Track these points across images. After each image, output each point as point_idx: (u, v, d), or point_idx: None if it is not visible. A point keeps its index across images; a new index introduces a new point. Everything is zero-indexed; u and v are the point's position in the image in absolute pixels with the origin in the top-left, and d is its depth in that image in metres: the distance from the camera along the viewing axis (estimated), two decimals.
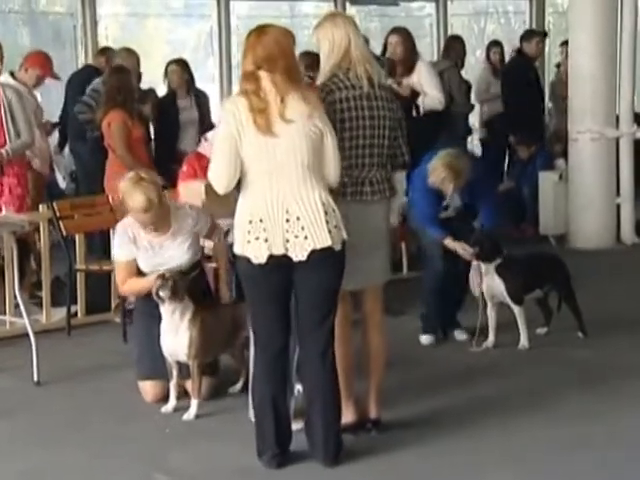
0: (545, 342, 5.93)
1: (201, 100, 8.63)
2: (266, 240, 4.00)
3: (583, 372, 5.38)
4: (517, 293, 5.78)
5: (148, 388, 5.08)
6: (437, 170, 5.74)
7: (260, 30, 4.12)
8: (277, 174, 4.02)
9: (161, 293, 4.79)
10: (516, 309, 5.79)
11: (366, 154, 4.33)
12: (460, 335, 6.05)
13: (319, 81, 4.34)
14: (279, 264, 4.02)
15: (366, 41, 9.65)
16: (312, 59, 9.06)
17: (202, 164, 6.39)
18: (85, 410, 5.07)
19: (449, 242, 5.82)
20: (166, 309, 4.84)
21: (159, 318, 4.87)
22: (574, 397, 4.95)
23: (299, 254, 4.02)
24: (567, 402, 4.88)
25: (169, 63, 8.72)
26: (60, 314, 6.56)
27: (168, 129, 8.42)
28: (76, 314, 6.61)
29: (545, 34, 10.19)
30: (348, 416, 4.44)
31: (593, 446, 4.34)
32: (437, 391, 5.07)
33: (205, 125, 8.46)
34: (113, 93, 7.41)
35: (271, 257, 4.01)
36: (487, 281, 5.76)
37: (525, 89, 9.48)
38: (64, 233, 6.43)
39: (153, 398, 5.06)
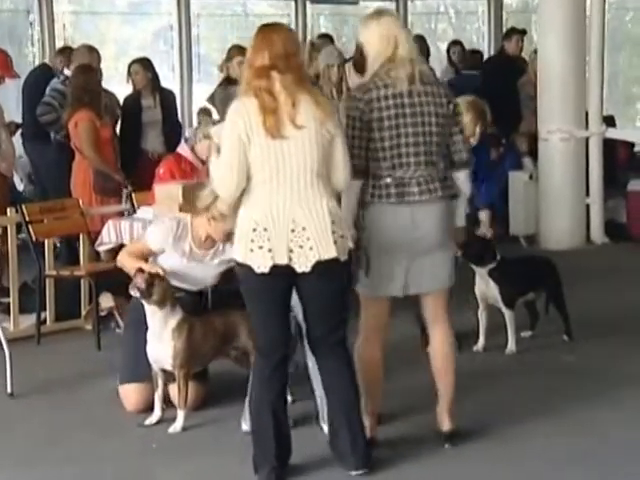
0: (531, 346, 5.84)
1: (166, 99, 8.41)
2: (270, 250, 3.86)
3: (572, 378, 5.29)
4: (510, 297, 5.69)
5: (130, 393, 4.84)
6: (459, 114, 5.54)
7: (274, 26, 4.01)
8: (284, 180, 3.87)
9: (130, 291, 4.61)
10: (507, 313, 5.70)
11: (410, 153, 4.15)
12: None
13: (360, 83, 4.25)
14: (282, 274, 3.90)
15: (331, 40, 9.72)
16: None
17: (181, 167, 6.23)
18: (63, 424, 4.84)
19: None
20: (148, 312, 4.65)
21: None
22: (566, 404, 4.85)
23: (303, 265, 3.89)
24: (559, 411, 4.77)
25: (132, 63, 8.48)
26: (28, 321, 6.32)
27: (131, 129, 8.20)
28: (45, 321, 6.38)
29: (524, 32, 10.14)
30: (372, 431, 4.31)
31: (588, 459, 4.23)
32: (426, 399, 4.92)
33: (169, 125, 8.26)
34: (79, 93, 7.22)
35: (274, 267, 3.88)
36: (480, 284, 5.65)
37: (500, 88, 9.44)
38: (34, 238, 6.19)
39: (134, 405, 4.83)
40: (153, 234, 4.86)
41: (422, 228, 4.17)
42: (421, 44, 9.81)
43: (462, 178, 4.31)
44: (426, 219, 4.17)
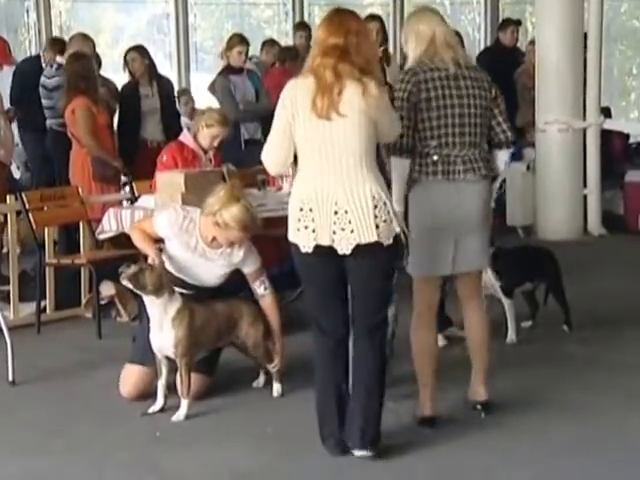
0: (531, 336, 5.85)
1: (165, 87, 8.38)
2: (314, 230, 3.97)
3: (573, 367, 5.30)
4: (509, 286, 5.70)
5: (132, 373, 4.83)
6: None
7: (351, 12, 4.09)
8: (327, 161, 3.96)
9: (120, 278, 4.61)
10: (506, 302, 5.71)
11: (456, 133, 4.32)
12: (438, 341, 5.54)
13: (407, 68, 4.43)
14: (326, 254, 3.99)
15: None
16: (291, 52, 9.02)
17: (183, 154, 6.20)
18: (66, 412, 4.83)
19: None
20: (146, 301, 4.64)
21: None
22: (570, 394, 4.85)
23: (344, 247, 3.97)
24: (563, 399, 4.78)
25: (128, 51, 8.45)
26: (28, 309, 6.31)
27: (130, 117, 8.17)
28: (45, 310, 6.36)
29: (519, 22, 10.17)
30: (425, 409, 4.43)
31: (597, 445, 4.24)
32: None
33: (167, 113, 8.23)
34: (76, 80, 7.18)
35: (318, 247, 3.97)
36: None
37: (496, 79, 9.39)
38: (34, 225, 6.17)
39: (130, 387, 4.82)
40: (160, 220, 4.82)
41: (467, 205, 4.34)
42: None
43: (503, 156, 4.49)
44: (470, 197, 4.33)
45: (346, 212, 3.94)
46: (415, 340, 4.44)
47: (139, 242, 4.81)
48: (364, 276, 4.04)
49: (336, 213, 3.95)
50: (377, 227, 3.96)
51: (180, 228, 4.74)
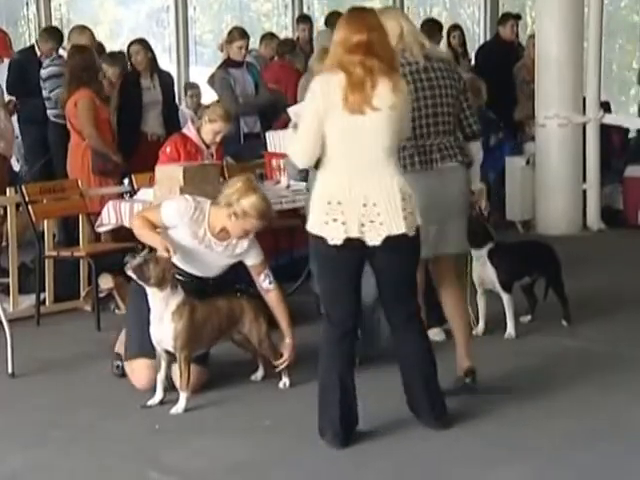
0: (530, 331, 5.85)
1: (165, 81, 8.37)
2: (343, 223, 4.03)
3: (572, 362, 5.32)
4: (508, 280, 5.71)
5: (141, 368, 4.80)
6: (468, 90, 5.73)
7: (369, 9, 4.22)
8: (357, 155, 4.03)
9: (125, 269, 4.62)
10: (505, 297, 5.71)
11: (430, 122, 4.50)
12: (437, 335, 5.52)
13: None
14: (354, 247, 4.06)
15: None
16: (289, 45, 9.03)
17: (187, 147, 6.22)
18: (65, 405, 4.84)
19: None
20: (148, 293, 4.64)
21: None
22: (570, 387, 4.86)
23: (373, 239, 4.06)
24: (564, 393, 4.79)
25: (131, 44, 8.44)
26: (27, 302, 6.32)
27: (131, 110, 8.16)
28: (44, 302, 6.37)
29: (519, 16, 10.19)
30: None
31: (598, 438, 4.25)
32: None
33: (167, 106, 8.23)
34: (78, 72, 7.17)
35: (347, 239, 4.05)
36: (477, 268, 5.65)
37: (495, 73, 9.43)
38: (34, 218, 6.18)
39: (147, 381, 4.78)
40: (170, 208, 4.79)
41: (449, 191, 4.51)
42: (434, 27, 9.65)
43: (475, 148, 4.70)
44: (452, 181, 4.59)
45: (375, 205, 4.03)
46: None
47: (146, 235, 4.76)
48: (393, 266, 4.14)
49: (365, 206, 4.03)
50: (405, 219, 4.06)
51: (190, 218, 4.75)
